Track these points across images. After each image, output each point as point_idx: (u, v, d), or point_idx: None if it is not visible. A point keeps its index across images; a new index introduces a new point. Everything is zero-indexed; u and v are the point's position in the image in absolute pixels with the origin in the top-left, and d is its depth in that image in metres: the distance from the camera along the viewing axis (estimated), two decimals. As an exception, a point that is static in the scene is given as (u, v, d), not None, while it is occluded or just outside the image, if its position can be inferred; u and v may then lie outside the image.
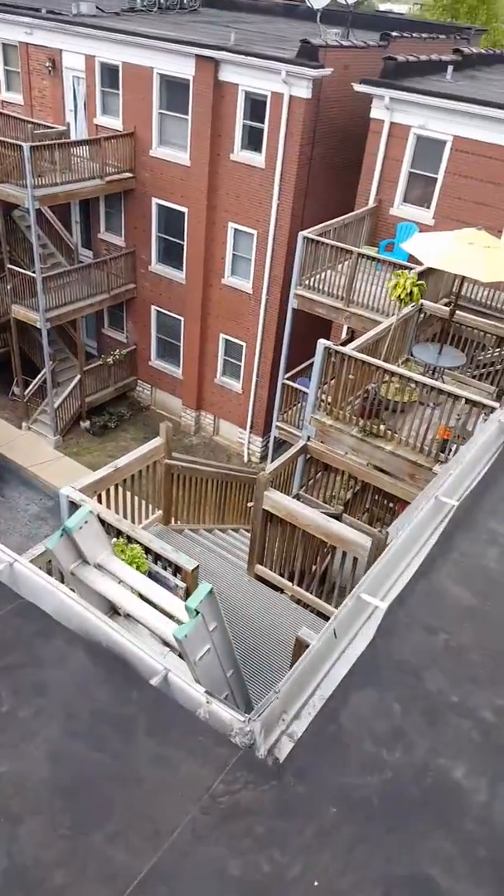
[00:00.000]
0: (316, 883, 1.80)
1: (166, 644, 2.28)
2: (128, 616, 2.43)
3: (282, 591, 7.70)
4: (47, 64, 16.80)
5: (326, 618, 7.48)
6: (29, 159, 13.89)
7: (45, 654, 2.07)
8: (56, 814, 1.80)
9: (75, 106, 17.12)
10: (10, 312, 16.28)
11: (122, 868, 1.74)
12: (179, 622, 2.27)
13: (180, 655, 2.26)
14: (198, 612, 2.02)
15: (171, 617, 2.33)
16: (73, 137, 16.63)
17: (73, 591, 2.47)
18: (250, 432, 17.83)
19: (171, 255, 17.33)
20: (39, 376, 17.43)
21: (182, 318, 17.73)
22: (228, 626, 6.77)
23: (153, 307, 18.26)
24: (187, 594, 6.17)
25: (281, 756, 2.17)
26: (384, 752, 2.19)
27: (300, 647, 5.21)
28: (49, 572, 5.87)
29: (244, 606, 7.16)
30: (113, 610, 2.55)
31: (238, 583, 7.54)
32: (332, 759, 2.20)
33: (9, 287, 15.80)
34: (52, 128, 16.20)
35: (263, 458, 17.73)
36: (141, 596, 2.36)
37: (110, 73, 16.12)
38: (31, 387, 17.69)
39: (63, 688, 1.98)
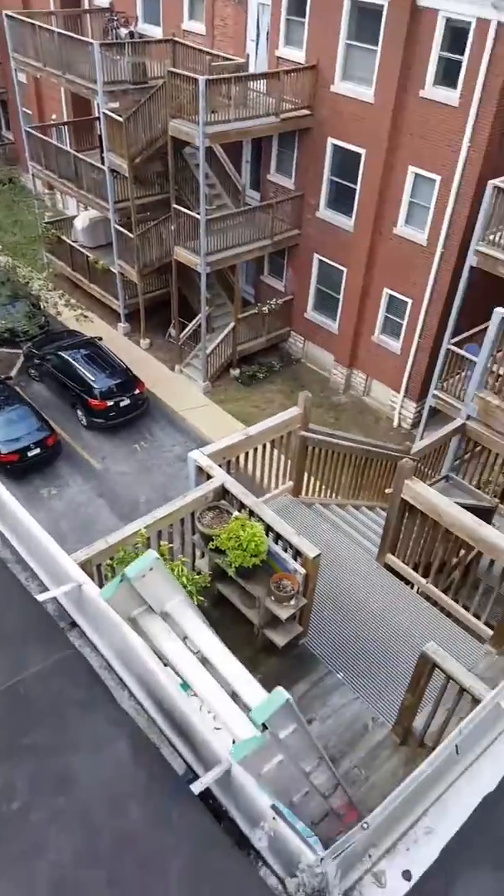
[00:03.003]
0: None
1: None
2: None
3: (412, 584, 7.01)
4: (234, -10, 16.01)
5: (461, 622, 6.71)
6: (204, 94, 13.40)
7: (81, 735, 1.68)
8: None
9: (257, 36, 16.25)
10: (171, 254, 16.29)
11: None
12: (250, 710, 1.80)
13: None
14: (265, 727, 1.52)
15: (237, 700, 1.87)
16: (251, 70, 15.85)
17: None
18: (404, 396, 16.69)
19: (341, 200, 16.24)
20: (195, 321, 17.48)
21: (345, 269, 16.72)
22: (350, 618, 6.28)
23: (316, 255, 17.40)
24: (306, 581, 5.73)
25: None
26: None
27: (424, 664, 4.60)
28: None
29: (368, 599, 6.62)
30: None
31: (365, 570, 6.98)
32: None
33: (172, 228, 15.74)
34: (231, 59, 15.51)
35: (415, 424, 16.57)
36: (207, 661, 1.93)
37: (298, 0, 14.99)
38: (186, 330, 17.82)
39: (91, 789, 1.59)
